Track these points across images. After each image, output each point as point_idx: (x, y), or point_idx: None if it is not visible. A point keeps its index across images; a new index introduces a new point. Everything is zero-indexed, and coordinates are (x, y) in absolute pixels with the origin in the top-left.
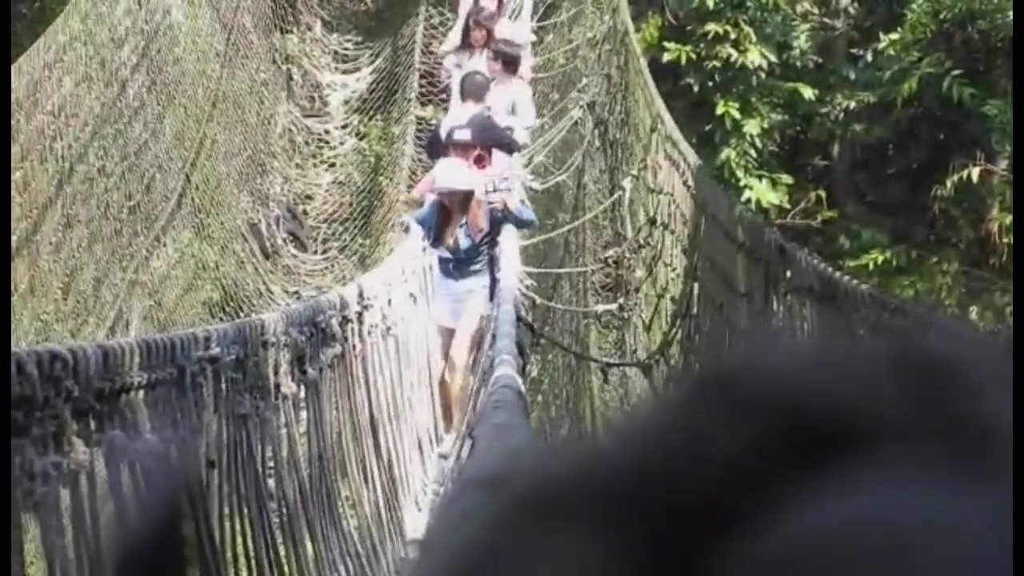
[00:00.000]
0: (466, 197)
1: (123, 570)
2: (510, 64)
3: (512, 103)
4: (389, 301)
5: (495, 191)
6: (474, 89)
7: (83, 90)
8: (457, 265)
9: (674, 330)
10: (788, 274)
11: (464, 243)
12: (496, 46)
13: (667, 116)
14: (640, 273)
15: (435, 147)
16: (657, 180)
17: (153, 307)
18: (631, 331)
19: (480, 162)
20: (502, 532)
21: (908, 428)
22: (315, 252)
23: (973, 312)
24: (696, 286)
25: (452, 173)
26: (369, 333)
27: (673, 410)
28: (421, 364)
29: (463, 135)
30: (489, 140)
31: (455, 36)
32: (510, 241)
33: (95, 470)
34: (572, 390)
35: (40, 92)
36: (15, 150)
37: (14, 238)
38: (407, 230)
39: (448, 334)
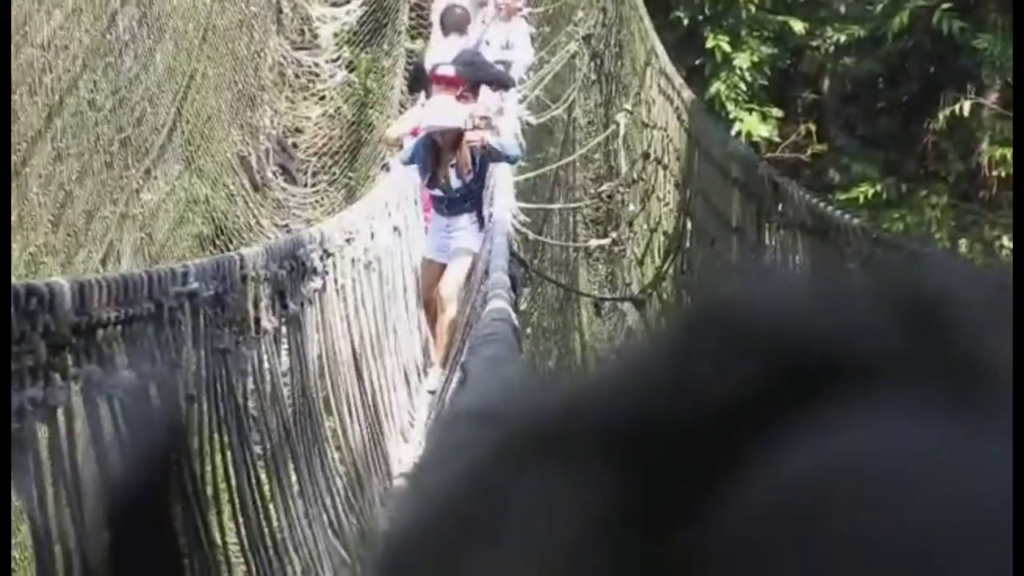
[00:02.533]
0: (456, 135)
1: (104, 506)
2: None
3: (509, 39)
4: (372, 234)
5: (474, 128)
6: (455, 21)
7: (73, 23)
8: (449, 204)
9: (667, 264)
10: (780, 208)
11: (455, 182)
12: None
13: (661, 50)
14: (633, 208)
15: (419, 82)
16: (651, 115)
17: (144, 240)
18: (623, 265)
19: (463, 100)
20: (495, 466)
21: (904, 364)
22: (305, 185)
23: (962, 245)
24: (689, 221)
25: (440, 110)
26: (351, 267)
27: (666, 346)
28: (407, 298)
29: (447, 70)
30: (478, 76)
31: None
32: (503, 176)
33: (72, 405)
34: (562, 323)
35: (30, 25)
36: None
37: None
38: (388, 170)
39: (440, 269)
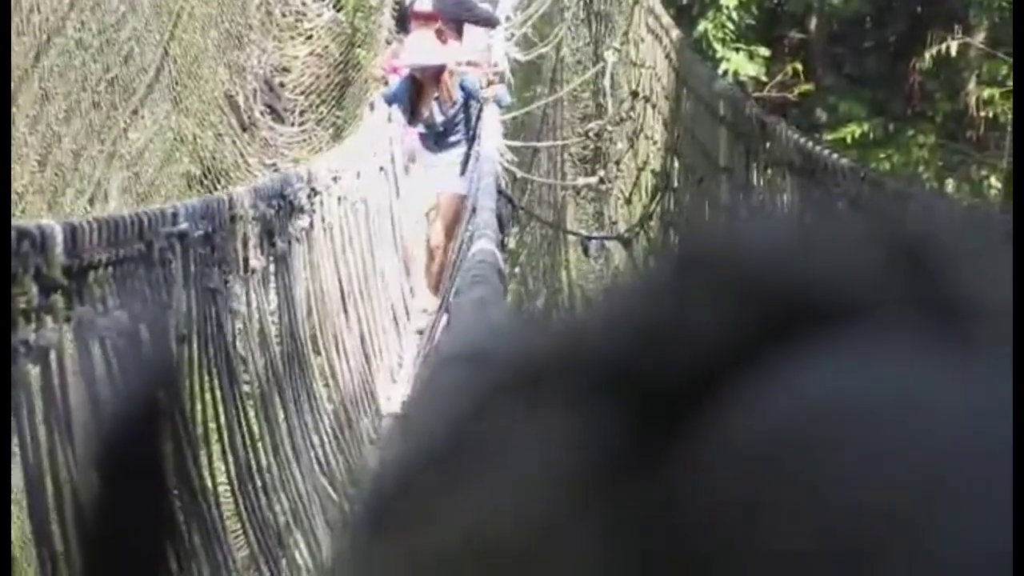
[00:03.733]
0: (437, 71)
1: (95, 445)
2: None
3: None
4: (358, 174)
5: (488, 85)
6: None
7: None
8: (436, 139)
9: (654, 203)
10: (768, 148)
11: (439, 117)
12: None
13: None
14: (621, 146)
15: (404, 20)
16: (639, 53)
17: (132, 179)
18: (611, 204)
19: (442, 36)
20: (482, 409)
21: (891, 303)
22: (292, 124)
23: (949, 185)
24: (677, 160)
25: (420, 48)
26: (339, 205)
27: (653, 287)
28: (395, 237)
29: (423, 6)
30: (461, 14)
31: None
32: (491, 115)
33: (64, 346)
34: (549, 261)
35: None
36: None
37: None
38: (372, 109)
39: (427, 207)
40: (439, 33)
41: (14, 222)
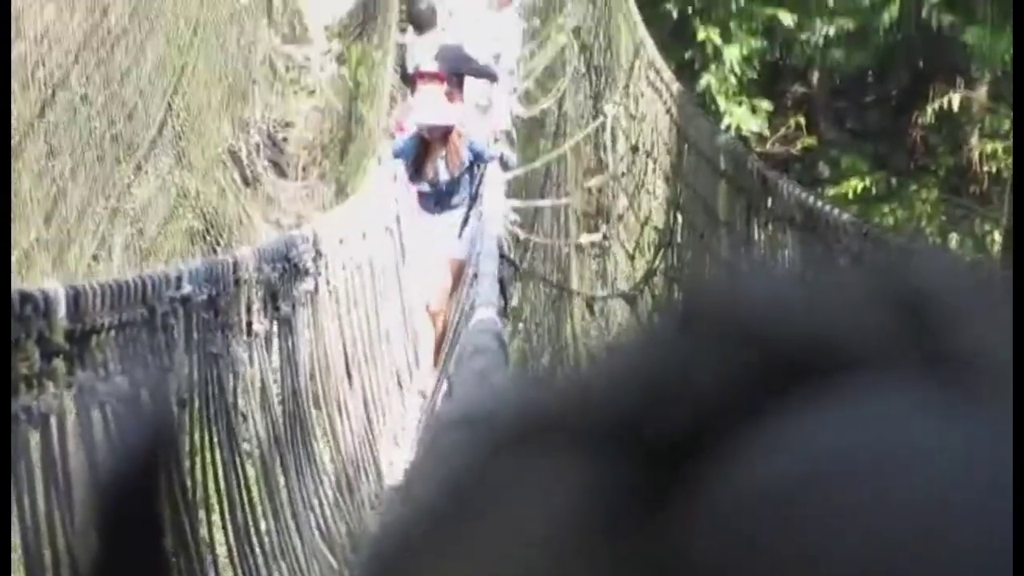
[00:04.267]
0: (445, 131)
1: (94, 509)
2: None
3: (499, 32)
4: (364, 234)
5: (496, 140)
6: (424, 17)
7: (65, 17)
8: (438, 199)
9: (657, 259)
10: (770, 202)
11: (443, 175)
12: None
13: (649, 42)
14: (623, 201)
15: (407, 76)
16: (639, 107)
17: (135, 235)
18: (613, 260)
19: (450, 96)
20: (487, 463)
21: (891, 357)
22: (295, 179)
23: (953, 240)
24: (679, 215)
25: (430, 107)
26: (343, 267)
27: (654, 340)
28: (398, 298)
29: (430, 67)
30: (460, 69)
31: None
32: (494, 175)
33: (65, 412)
34: (554, 318)
35: (23, 19)
36: None
37: None
38: (380, 162)
39: (429, 268)
40: (448, 94)
41: (19, 285)
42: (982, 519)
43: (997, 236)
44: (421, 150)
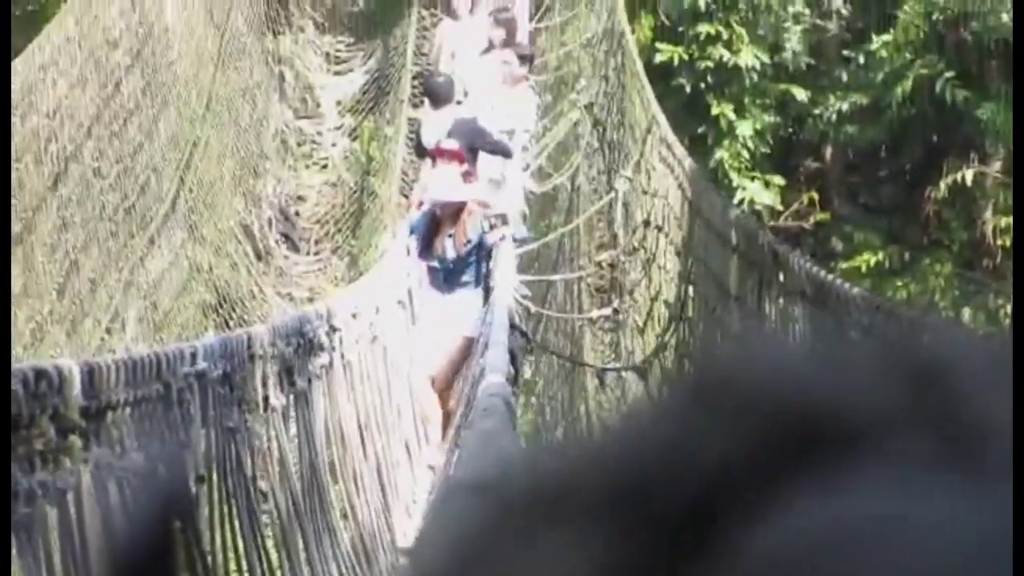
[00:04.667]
0: (457, 208)
1: None
2: (526, 60)
3: (516, 107)
4: (377, 309)
5: (492, 227)
6: (442, 90)
7: (78, 92)
8: (446, 276)
9: (669, 333)
10: (781, 277)
11: (450, 253)
12: (517, 47)
13: (662, 118)
14: (634, 276)
15: (420, 149)
16: (651, 182)
17: (148, 308)
18: (626, 333)
19: (467, 177)
20: (494, 532)
21: (902, 429)
22: (307, 253)
23: (966, 314)
24: (690, 289)
25: (444, 184)
26: (357, 342)
27: (666, 412)
28: (409, 372)
29: (451, 144)
30: (475, 143)
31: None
32: (505, 250)
33: (82, 489)
34: (567, 392)
35: (35, 94)
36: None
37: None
38: (395, 236)
39: (437, 345)
40: (465, 174)
41: (33, 361)
42: None
43: (1009, 309)
44: (432, 227)
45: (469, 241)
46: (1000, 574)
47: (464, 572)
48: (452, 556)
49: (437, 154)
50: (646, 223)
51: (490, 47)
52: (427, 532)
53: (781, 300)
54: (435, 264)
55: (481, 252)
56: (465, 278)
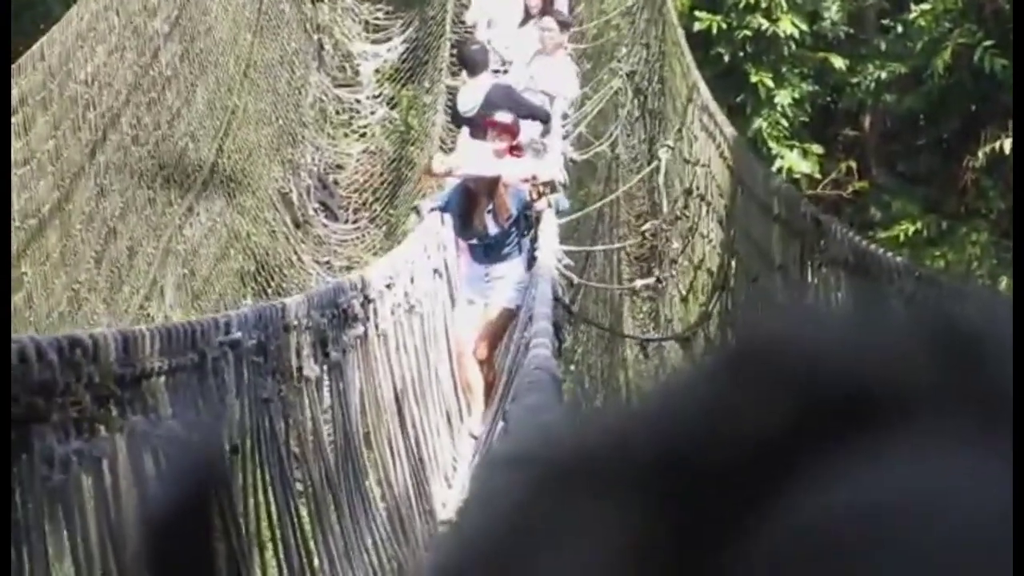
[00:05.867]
0: (492, 182)
1: (148, 549)
2: (565, 27)
3: (556, 75)
4: (412, 279)
5: (539, 196)
6: (479, 57)
7: (116, 59)
8: (486, 250)
9: (712, 303)
10: (823, 246)
11: (492, 228)
12: (555, 13)
13: (703, 86)
14: (676, 245)
15: (457, 118)
16: (693, 151)
17: (187, 276)
18: (667, 303)
19: (514, 151)
20: (535, 504)
21: (939, 402)
22: (345, 222)
23: (1003, 282)
24: (732, 258)
25: (476, 159)
26: (392, 312)
27: (706, 382)
28: (448, 341)
29: (505, 116)
30: (516, 112)
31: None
32: (548, 221)
33: (117, 457)
34: (607, 361)
35: (73, 61)
36: (46, 119)
37: (45, 208)
38: (419, 213)
39: (479, 316)
40: (511, 149)
41: (68, 330)
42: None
43: None
44: (467, 203)
45: (511, 216)
46: None
47: (507, 542)
48: (494, 527)
49: (489, 125)
50: (688, 192)
51: (527, 16)
52: (469, 503)
53: (823, 269)
54: (475, 240)
55: (523, 224)
56: (506, 251)
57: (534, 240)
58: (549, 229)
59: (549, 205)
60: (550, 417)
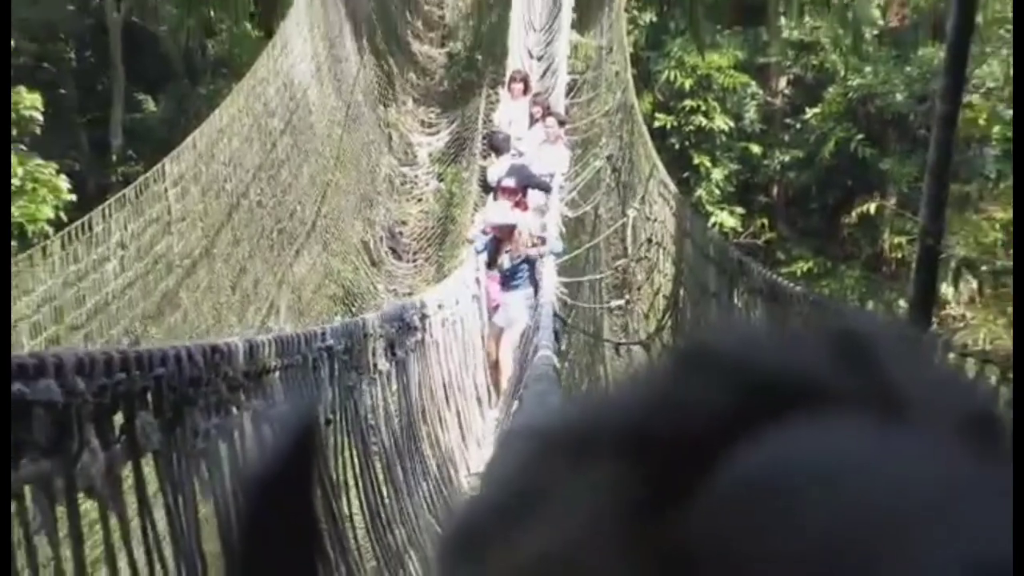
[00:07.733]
0: (510, 229)
1: (269, 496)
2: (562, 124)
3: (556, 158)
4: (456, 301)
5: (532, 246)
6: (503, 144)
7: (246, 147)
8: (503, 280)
9: (666, 318)
10: (744, 279)
11: (507, 264)
12: (555, 114)
13: (660, 165)
14: (641, 277)
15: (486, 187)
16: (653, 211)
17: (294, 300)
18: (634, 318)
19: (520, 205)
20: (539, 465)
21: (839, 388)
22: (408, 261)
23: (870, 305)
24: (681, 288)
25: (499, 212)
26: (442, 325)
27: (664, 373)
28: (479, 348)
29: (509, 182)
30: (527, 183)
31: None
32: (549, 262)
33: (244, 429)
34: (591, 360)
35: (216, 148)
36: (197, 188)
37: (195, 251)
38: (470, 242)
39: (500, 330)
40: (519, 203)
41: (210, 339)
42: (913, 523)
43: (901, 303)
44: (495, 246)
45: (519, 256)
46: (923, 505)
47: (517, 493)
48: (509, 481)
49: (500, 190)
50: (649, 240)
51: (534, 119)
52: (492, 462)
53: (745, 295)
54: (496, 274)
55: (529, 263)
56: (515, 281)
57: (539, 275)
58: (549, 268)
59: (541, 255)
60: (551, 400)
